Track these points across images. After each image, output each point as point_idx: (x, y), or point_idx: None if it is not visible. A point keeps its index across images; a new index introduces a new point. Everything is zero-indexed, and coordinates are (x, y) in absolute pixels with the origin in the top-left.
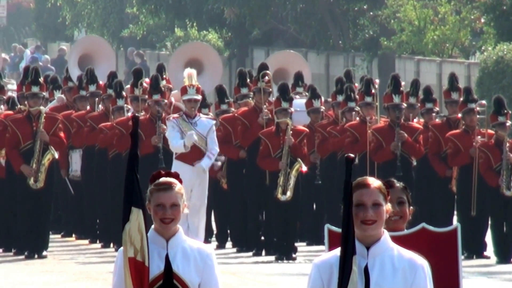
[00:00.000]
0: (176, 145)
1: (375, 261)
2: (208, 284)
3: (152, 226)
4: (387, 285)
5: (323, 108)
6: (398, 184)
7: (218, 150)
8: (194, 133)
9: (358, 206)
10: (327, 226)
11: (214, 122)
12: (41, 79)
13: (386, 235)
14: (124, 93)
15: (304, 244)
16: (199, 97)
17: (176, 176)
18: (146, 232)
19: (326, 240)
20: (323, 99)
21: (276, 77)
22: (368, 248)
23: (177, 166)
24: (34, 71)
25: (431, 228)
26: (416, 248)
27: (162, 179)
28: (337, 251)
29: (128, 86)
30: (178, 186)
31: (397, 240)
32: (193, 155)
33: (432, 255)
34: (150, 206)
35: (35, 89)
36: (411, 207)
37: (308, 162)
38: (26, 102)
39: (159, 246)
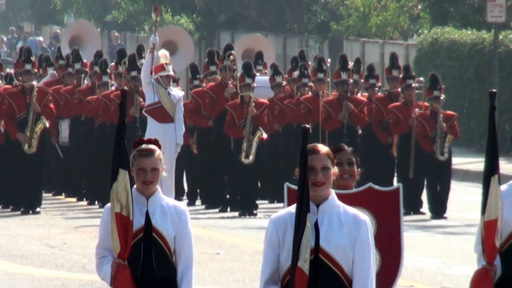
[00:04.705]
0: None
1: (324, 217)
2: (182, 236)
3: (134, 186)
4: (334, 238)
5: (285, 82)
6: (348, 148)
7: (182, 115)
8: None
9: (309, 170)
10: (286, 184)
11: (183, 93)
12: (33, 58)
13: (333, 195)
14: (108, 70)
15: (266, 202)
16: (173, 73)
17: (156, 142)
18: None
19: (285, 197)
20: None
21: (245, 57)
22: (318, 206)
23: (151, 124)
24: (26, 51)
25: (376, 187)
26: (363, 204)
27: (144, 146)
28: (291, 209)
29: (113, 64)
30: (157, 152)
31: (346, 197)
32: (164, 117)
33: (377, 211)
34: (133, 169)
35: (27, 66)
36: (359, 169)
37: (270, 130)
38: (20, 78)
39: (140, 204)
